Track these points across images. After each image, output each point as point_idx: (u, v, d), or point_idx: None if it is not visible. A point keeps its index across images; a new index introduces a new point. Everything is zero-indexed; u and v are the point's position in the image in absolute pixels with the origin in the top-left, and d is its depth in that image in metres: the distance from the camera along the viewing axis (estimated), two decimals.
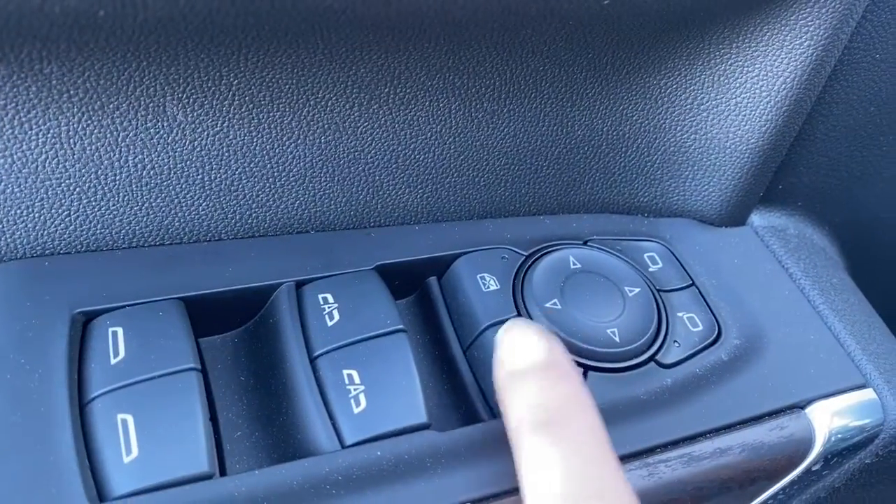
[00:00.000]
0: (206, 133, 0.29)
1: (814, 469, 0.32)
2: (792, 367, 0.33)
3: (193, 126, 0.29)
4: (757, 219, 0.39)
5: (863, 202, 0.42)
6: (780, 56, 0.32)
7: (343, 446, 0.28)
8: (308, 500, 0.26)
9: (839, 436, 0.33)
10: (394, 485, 0.27)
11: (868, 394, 0.34)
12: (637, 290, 0.34)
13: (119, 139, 0.29)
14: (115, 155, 0.29)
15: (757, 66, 0.32)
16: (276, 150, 0.31)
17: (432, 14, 0.26)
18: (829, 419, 0.33)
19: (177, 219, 0.31)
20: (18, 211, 0.29)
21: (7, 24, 0.23)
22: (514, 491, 0.28)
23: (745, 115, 0.33)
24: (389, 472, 0.27)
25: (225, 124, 0.29)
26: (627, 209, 0.37)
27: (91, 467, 0.26)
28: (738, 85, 0.33)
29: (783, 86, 0.32)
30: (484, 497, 0.27)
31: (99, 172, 0.29)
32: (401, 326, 0.30)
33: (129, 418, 0.26)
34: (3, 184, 0.28)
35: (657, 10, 0.29)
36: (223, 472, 0.28)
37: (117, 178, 0.29)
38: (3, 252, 0.29)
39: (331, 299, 0.31)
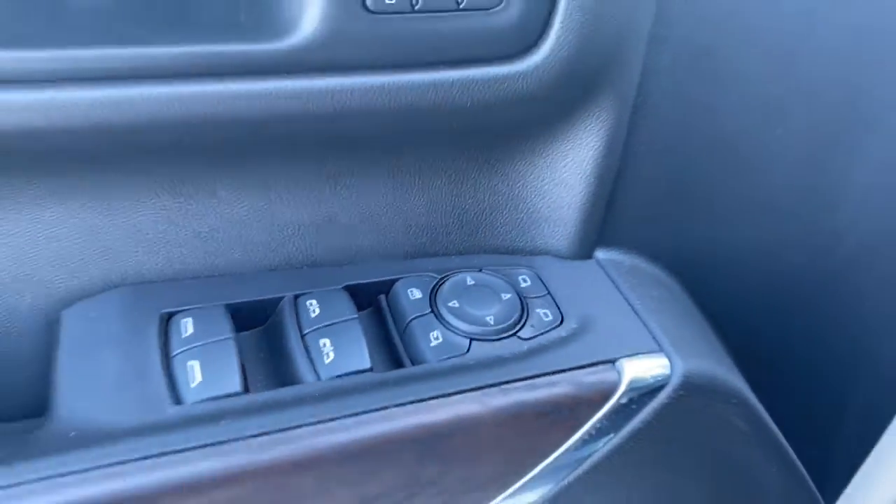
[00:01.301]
0: (240, 206, 0.50)
1: (623, 402, 0.50)
2: (610, 341, 0.52)
3: (230, 201, 0.50)
4: (601, 254, 0.58)
5: (686, 248, 0.61)
6: (580, 150, 0.52)
7: (319, 380, 0.47)
8: (297, 405, 0.45)
9: (639, 381, 0.51)
10: (349, 399, 0.46)
11: (661, 357, 0.52)
12: (509, 295, 0.53)
13: (190, 212, 0.50)
14: (188, 221, 0.50)
15: (569, 156, 0.52)
16: (281, 217, 0.52)
17: (367, 134, 0.47)
18: (632, 370, 0.51)
19: (221, 259, 0.51)
20: (134, 261, 0.50)
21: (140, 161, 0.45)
22: (424, 399, 0.46)
23: (569, 187, 0.54)
24: (346, 392, 0.46)
25: (253, 201, 0.50)
26: (509, 251, 0.57)
27: (173, 389, 0.45)
28: (561, 167, 0.53)
29: (587, 167, 0.52)
30: (405, 402, 0.46)
31: (178, 231, 0.50)
32: (355, 316, 0.50)
33: (196, 363, 0.46)
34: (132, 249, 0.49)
35: (496, 128, 0.50)
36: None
37: (188, 233, 0.50)
38: (123, 280, 0.50)
39: (315, 303, 0.51)
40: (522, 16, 0.44)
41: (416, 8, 0.41)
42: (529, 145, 0.53)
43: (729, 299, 0.64)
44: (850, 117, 0.57)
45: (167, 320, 0.49)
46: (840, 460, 0.80)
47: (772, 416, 0.61)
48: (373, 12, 0.40)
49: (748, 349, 0.65)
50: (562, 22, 0.44)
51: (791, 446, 0.63)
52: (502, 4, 0.43)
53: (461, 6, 0.42)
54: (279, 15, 0.40)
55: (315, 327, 0.49)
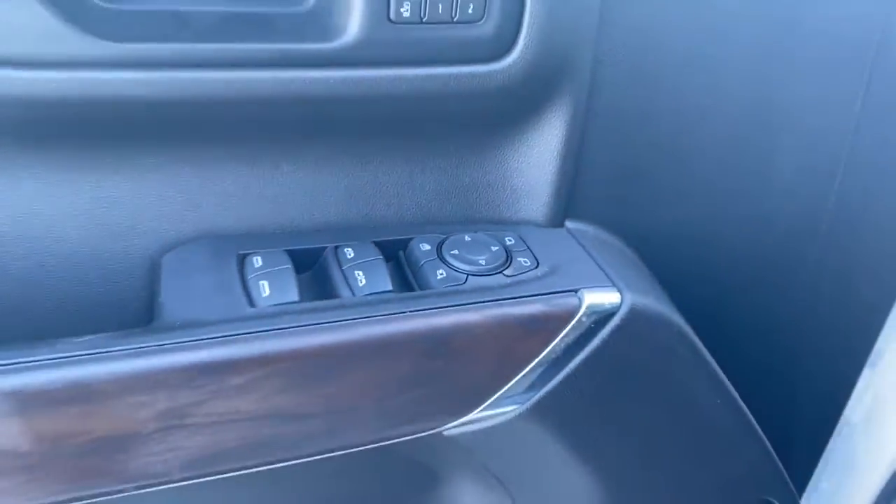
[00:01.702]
0: (297, 177, 0.68)
1: (584, 321, 0.66)
2: (574, 279, 0.68)
3: (290, 173, 0.68)
4: (570, 224, 0.75)
5: (640, 224, 0.78)
6: (548, 138, 0.69)
7: (354, 296, 0.63)
8: (338, 310, 0.61)
9: (596, 307, 0.67)
10: (375, 307, 0.62)
11: (614, 290, 0.68)
12: (497, 248, 0.70)
13: (260, 180, 0.67)
14: (258, 188, 0.68)
15: (540, 142, 0.70)
16: (326, 188, 0.69)
17: (389, 117, 0.66)
18: (590, 298, 0.66)
19: (280, 218, 0.69)
20: (217, 217, 0.67)
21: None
22: (431, 308, 0.62)
23: (541, 168, 0.71)
24: (373, 303, 0.62)
25: (306, 174, 0.68)
26: (498, 220, 0.74)
27: (249, 298, 0.62)
28: (535, 152, 0.71)
29: (554, 150, 0.70)
30: (416, 310, 0.62)
31: (251, 195, 0.68)
32: (381, 257, 0.67)
33: (265, 282, 0.63)
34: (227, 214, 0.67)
35: (483, 117, 0.68)
36: None
37: (258, 197, 0.68)
38: (208, 232, 0.67)
39: (351, 250, 0.68)
40: (497, 29, 0.62)
41: (424, 20, 0.60)
42: (511, 133, 0.71)
43: (678, 271, 0.80)
44: (768, 114, 0.75)
45: (243, 259, 0.66)
46: (799, 428, 0.94)
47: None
48: (394, 22, 0.59)
49: (696, 316, 0.81)
50: (526, 36, 0.63)
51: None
52: (483, 20, 0.61)
53: (455, 20, 0.61)
54: (330, 23, 0.59)
55: (351, 264, 0.66)
